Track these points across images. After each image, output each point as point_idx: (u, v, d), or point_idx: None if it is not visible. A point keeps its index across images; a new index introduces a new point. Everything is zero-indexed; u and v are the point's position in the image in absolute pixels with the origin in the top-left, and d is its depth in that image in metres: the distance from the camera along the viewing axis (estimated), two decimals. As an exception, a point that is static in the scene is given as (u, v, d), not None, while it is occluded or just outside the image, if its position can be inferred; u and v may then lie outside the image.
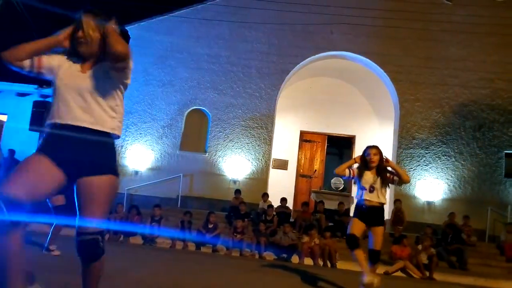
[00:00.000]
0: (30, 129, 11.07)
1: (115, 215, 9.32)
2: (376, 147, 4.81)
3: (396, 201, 10.97)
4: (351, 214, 10.15)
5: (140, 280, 3.05)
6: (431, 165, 12.04)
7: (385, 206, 4.64)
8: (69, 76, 2.31)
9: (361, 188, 4.69)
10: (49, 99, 12.87)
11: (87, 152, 2.23)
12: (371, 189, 4.62)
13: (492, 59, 12.23)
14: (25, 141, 13.91)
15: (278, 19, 12.75)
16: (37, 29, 13.62)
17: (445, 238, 9.50)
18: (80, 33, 2.30)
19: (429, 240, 8.66)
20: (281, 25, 12.76)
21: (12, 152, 12.37)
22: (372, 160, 4.66)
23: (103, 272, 2.32)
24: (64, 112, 2.25)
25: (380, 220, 4.66)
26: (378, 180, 4.62)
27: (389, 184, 4.77)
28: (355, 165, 4.86)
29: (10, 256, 1.99)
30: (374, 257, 4.62)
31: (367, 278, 4.30)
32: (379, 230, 4.63)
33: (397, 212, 10.79)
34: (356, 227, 4.61)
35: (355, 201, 4.91)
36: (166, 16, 13.24)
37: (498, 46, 12.24)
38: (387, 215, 11.43)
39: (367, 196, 4.62)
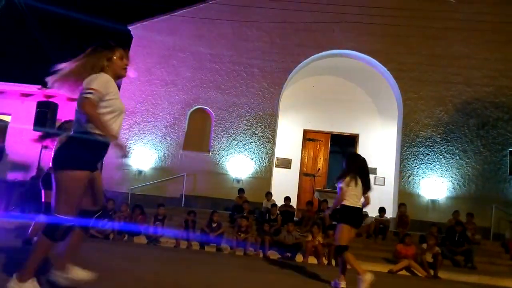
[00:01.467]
0: (34, 129, 11.07)
1: (119, 214, 9.33)
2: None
3: (401, 205, 10.82)
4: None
5: (143, 279, 3.05)
6: (435, 163, 12.00)
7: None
8: None
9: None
10: (52, 99, 12.91)
11: None
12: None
13: (496, 56, 12.18)
14: (29, 142, 13.93)
15: (280, 18, 12.74)
16: (39, 27, 13.66)
17: (451, 236, 9.44)
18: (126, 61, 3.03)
19: (433, 239, 8.63)
20: (283, 23, 12.75)
21: None
22: None
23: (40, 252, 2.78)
24: None
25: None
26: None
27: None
28: None
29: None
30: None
31: (368, 278, 4.66)
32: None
33: (402, 216, 10.65)
34: (348, 236, 5.02)
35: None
36: (168, 15, 13.25)
37: (502, 44, 12.19)
38: (391, 214, 11.46)
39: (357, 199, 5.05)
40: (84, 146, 2.83)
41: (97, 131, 2.81)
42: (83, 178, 2.82)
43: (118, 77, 3.04)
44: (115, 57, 2.98)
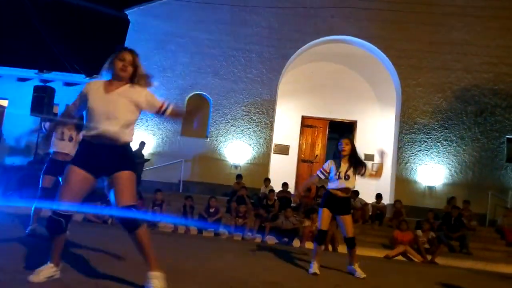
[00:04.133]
0: (31, 114, 11.05)
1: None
2: (348, 138, 5.14)
3: (396, 202, 10.51)
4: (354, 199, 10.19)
5: (141, 264, 3.08)
6: (432, 150, 12.04)
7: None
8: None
9: (337, 177, 4.93)
10: (49, 84, 12.84)
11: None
12: (346, 177, 4.91)
13: (496, 43, 12.14)
14: (26, 126, 13.91)
15: (279, 3, 12.65)
16: (35, 11, 13.50)
17: (447, 221, 9.50)
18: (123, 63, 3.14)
19: (428, 224, 8.71)
20: (282, 9, 12.64)
21: None
22: (343, 149, 4.96)
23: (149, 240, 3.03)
24: None
25: (348, 209, 5.03)
26: (351, 169, 4.93)
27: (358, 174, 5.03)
28: (324, 165, 5.15)
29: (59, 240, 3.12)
30: (350, 244, 5.02)
31: (315, 268, 4.83)
32: (348, 219, 4.99)
33: (396, 214, 10.20)
34: (326, 221, 4.99)
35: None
36: (166, 0, 13.10)
37: (502, 30, 12.14)
38: (387, 200, 11.53)
39: (340, 183, 4.91)
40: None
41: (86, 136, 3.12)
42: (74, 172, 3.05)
43: (118, 77, 3.15)
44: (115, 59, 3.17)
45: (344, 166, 4.93)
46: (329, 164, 5.04)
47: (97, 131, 3.01)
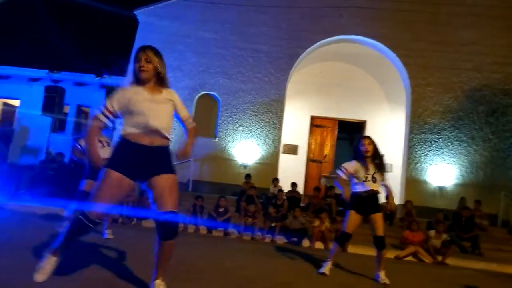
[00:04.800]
0: (43, 114, 11.16)
1: (127, 198, 9.38)
2: (369, 137, 4.93)
3: (407, 203, 10.39)
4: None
5: (152, 262, 3.10)
6: (443, 150, 11.94)
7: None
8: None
9: (365, 179, 4.75)
10: (59, 84, 12.95)
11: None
12: (374, 180, 4.76)
13: (506, 42, 12.01)
14: (38, 126, 14.06)
15: (287, 2, 12.62)
16: (45, 11, 13.63)
17: (458, 222, 9.41)
18: (138, 64, 2.95)
19: (442, 226, 8.62)
20: (290, 8, 12.61)
21: None
22: (367, 150, 4.76)
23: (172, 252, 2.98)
24: None
25: (378, 207, 4.82)
26: (377, 170, 4.78)
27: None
28: (348, 164, 4.87)
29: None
30: (380, 244, 4.77)
31: (326, 269, 4.81)
32: (379, 217, 4.78)
33: (407, 214, 10.08)
34: (353, 224, 4.81)
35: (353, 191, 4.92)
36: (173, 0, 13.14)
37: (512, 29, 12.00)
38: (398, 200, 11.44)
39: (371, 186, 4.74)
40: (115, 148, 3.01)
41: (126, 136, 2.93)
42: (111, 177, 2.86)
43: (138, 80, 3.01)
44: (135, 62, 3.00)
45: (371, 168, 4.75)
46: (355, 166, 4.78)
47: (141, 130, 2.93)
